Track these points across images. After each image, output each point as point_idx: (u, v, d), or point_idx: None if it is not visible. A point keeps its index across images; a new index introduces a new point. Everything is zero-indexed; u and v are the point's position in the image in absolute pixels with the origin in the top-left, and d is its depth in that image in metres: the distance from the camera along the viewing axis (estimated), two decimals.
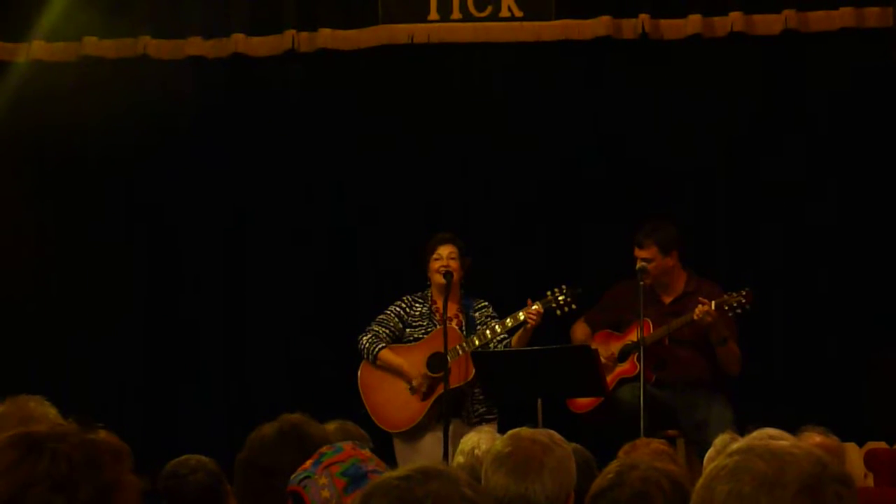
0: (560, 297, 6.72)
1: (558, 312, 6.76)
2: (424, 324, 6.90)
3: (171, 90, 7.97)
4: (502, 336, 6.79)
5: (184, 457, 4.27)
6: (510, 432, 3.41)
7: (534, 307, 6.67)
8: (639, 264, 6.77)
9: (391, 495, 1.79)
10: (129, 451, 2.02)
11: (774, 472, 1.75)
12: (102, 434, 2.02)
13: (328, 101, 8.03)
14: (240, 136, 8.04)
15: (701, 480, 1.81)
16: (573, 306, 6.77)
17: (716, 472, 1.80)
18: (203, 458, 4.25)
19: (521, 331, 6.73)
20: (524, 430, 3.37)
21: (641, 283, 6.61)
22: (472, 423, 6.71)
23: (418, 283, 6.99)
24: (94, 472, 1.94)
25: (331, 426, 3.55)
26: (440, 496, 1.79)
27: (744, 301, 6.59)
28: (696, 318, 6.55)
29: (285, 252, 8.00)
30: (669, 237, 6.87)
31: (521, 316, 6.70)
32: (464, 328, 6.85)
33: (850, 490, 1.78)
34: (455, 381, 6.69)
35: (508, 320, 6.75)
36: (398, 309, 6.96)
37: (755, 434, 2.96)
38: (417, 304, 6.96)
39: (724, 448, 3.12)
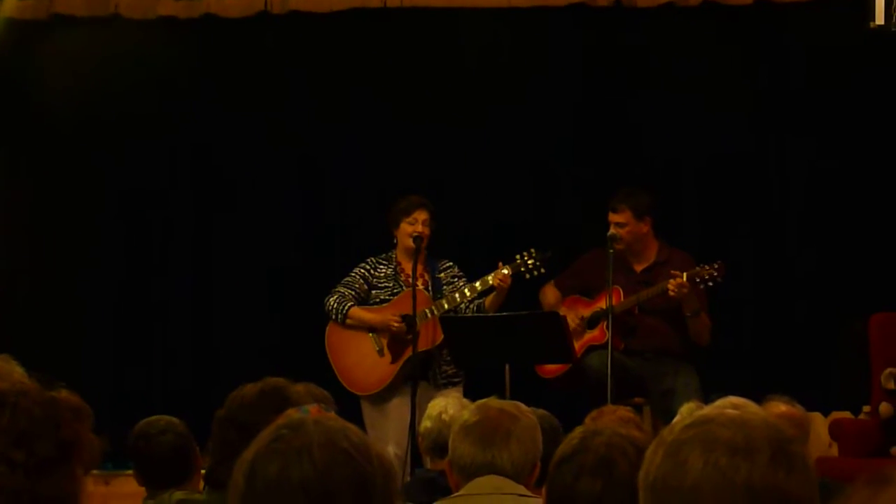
0: (529, 262, 6.72)
1: (527, 276, 6.76)
2: (390, 285, 6.88)
3: (142, 50, 7.89)
4: (473, 298, 6.78)
5: (153, 417, 4.32)
6: (478, 402, 3.42)
7: (503, 271, 6.67)
8: (611, 230, 6.78)
9: (279, 459, 1.79)
10: (89, 410, 2.04)
11: (744, 439, 1.77)
12: (63, 392, 2.03)
13: (300, 64, 7.99)
14: (211, 98, 7.99)
15: (660, 454, 1.80)
16: (542, 270, 6.76)
17: (677, 446, 1.79)
18: (173, 419, 4.29)
19: (493, 293, 6.73)
20: (492, 401, 3.38)
21: (611, 250, 6.63)
22: (440, 384, 6.71)
23: (382, 244, 6.97)
24: (53, 428, 1.95)
25: (298, 387, 3.58)
26: (322, 436, 1.80)
27: (716, 274, 6.61)
28: (672, 294, 6.56)
29: (256, 217, 7.96)
30: (644, 203, 6.88)
31: (490, 280, 6.70)
32: (430, 289, 6.85)
33: (806, 450, 1.84)
34: (424, 345, 6.68)
35: (478, 284, 6.74)
36: (363, 271, 6.93)
37: (718, 403, 2.97)
38: (382, 266, 6.93)
39: (690, 416, 3.12)
